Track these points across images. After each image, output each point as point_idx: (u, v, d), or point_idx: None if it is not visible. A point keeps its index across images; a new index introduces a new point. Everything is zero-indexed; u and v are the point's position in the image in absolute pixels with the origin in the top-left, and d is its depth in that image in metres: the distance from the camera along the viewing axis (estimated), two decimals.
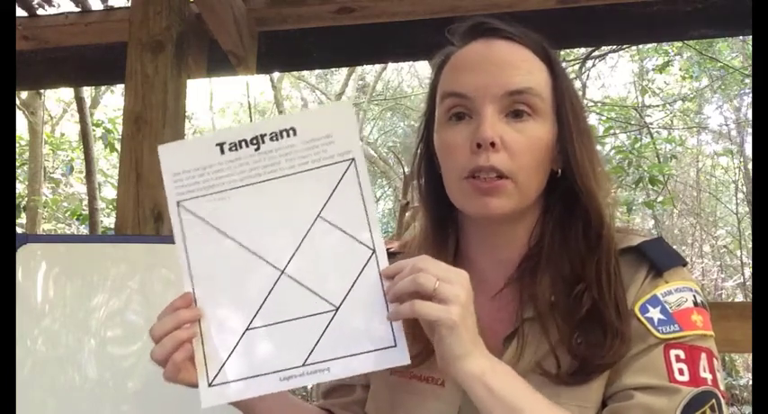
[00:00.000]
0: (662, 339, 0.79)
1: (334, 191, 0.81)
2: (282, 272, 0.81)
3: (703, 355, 0.79)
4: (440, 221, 0.94)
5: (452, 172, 0.86)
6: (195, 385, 0.80)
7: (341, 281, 0.79)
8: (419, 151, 0.95)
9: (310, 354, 0.78)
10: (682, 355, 0.78)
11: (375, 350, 0.76)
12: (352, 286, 0.78)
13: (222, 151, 0.84)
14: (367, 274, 0.78)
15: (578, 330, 0.81)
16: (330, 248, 0.80)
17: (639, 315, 0.81)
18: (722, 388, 0.79)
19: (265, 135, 0.83)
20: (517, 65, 0.84)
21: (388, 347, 0.76)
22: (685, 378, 0.77)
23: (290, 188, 0.82)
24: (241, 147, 0.83)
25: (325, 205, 0.81)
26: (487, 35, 0.87)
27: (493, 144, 0.81)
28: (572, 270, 0.84)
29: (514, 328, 0.85)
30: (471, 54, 0.87)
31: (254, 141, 0.83)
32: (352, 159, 0.81)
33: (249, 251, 0.82)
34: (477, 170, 0.82)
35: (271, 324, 0.80)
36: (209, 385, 0.79)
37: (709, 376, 0.78)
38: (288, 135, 0.83)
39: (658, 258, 0.83)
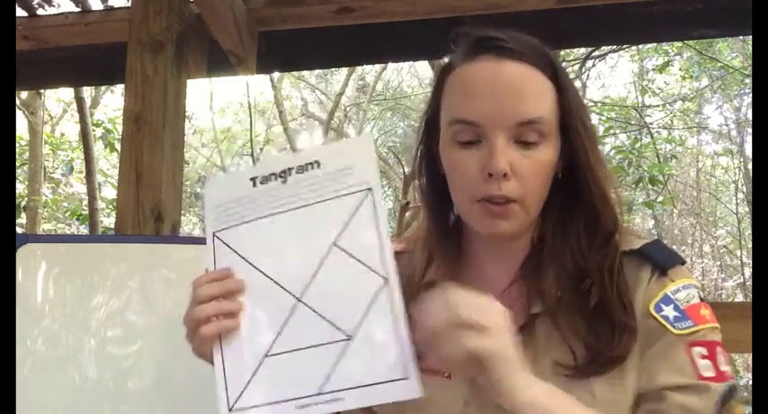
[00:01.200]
0: (679, 335, 0.81)
1: (350, 220, 0.82)
2: (299, 299, 0.82)
3: (718, 349, 0.82)
4: (442, 220, 0.95)
5: (463, 193, 0.87)
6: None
7: (355, 310, 0.79)
8: (419, 152, 0.96)
9: (326, 382, 0.78)
10: (704, 351, 0.81)
11: (387, 382, 0.76)
12: (365, 316, 0.78)
13: (254, 184, 0.87)
14: (379, 303, 0.78)
15: (587, 325, 0.82)
16: (344, 276, 0.81)
17: (656, 314, 0.82)
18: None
19: (292, 169, 0.86)
20: (527, 91, 0.84)
21: (400, 379, 0.75)
22: (711, 374, 0.79)
23: (309, 217, 0.84)
24: (270, 180, 0.87)
25: (340, 233, 0.82)
26: (494, 52, 0.86)
27: (505, 175, 0.82)
28: (575, 266, 0.86)
29: (523, 323, 0.85)
30: (480, 78, 0.85)
31: (282, 175, 0.87)
32: (369, 189, 0.82)
33: (270, 279, 0.84)
34: (489, 198, 0.84)
35: (289, 351, 0.81)
36: (230, 410, 0.81)
37: (728, 368, 0.81)
38: (312, 168, 0.86)
39: (660, 258, 0.85)
